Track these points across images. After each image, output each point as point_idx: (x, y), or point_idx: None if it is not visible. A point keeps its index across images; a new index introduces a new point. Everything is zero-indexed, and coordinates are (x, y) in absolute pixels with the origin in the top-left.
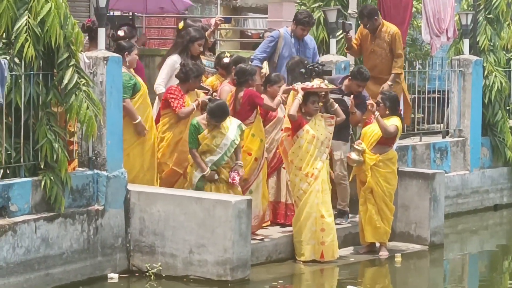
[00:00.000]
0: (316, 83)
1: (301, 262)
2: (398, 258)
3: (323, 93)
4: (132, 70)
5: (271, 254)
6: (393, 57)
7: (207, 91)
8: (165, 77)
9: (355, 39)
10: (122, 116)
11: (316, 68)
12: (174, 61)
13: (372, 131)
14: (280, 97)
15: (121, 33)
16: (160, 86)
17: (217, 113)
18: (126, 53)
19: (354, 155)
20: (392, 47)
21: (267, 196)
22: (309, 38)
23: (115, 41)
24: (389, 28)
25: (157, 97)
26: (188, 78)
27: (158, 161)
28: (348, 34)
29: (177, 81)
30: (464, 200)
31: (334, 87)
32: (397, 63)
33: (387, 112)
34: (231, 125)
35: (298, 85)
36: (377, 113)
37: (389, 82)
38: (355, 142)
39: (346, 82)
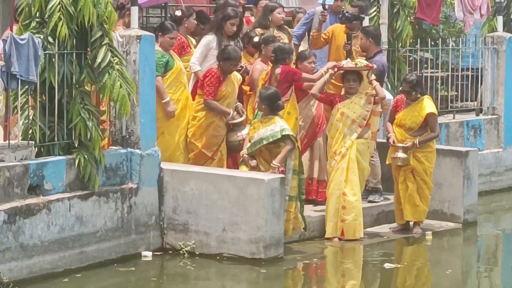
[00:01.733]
0: (347, 62)
1: (333, 240)
2: (429, 236)
3: (367, 71)
4: (172, 52)
5: (304, 233)
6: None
7: (240, 68)
8: (199, 56)
9: (325, 34)
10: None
11: (343, 16)
12: (209, 40)
13: (406, 117)
14: (324, 70)
15: (178, 12)
16: (194, 64)
17: (267, 100)
18: (160, 33)
19: (401, 154)
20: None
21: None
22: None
23: (173, 21)
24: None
25: (192, 75)
26: (222, 59)
27: (188, 140)
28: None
29: (211, 61)
30: (497, 178)
31: (366, 65)
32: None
33: (418, 95)
34: (274, 124)
35: (330, 64)
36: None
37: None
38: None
39: None
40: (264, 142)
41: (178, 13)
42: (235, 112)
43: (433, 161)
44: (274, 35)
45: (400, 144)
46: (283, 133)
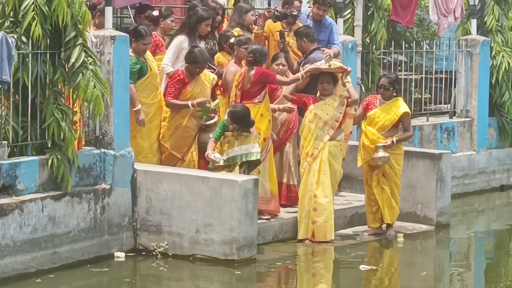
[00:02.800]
0: (321, 63)
1: (305, 241)
2: (400, 238)
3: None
4: (147, 52)
5: (277, 234)
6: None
7: (213, 70)
8: (172, 56)
9: (264, 31)
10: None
11: (273, 14)
12: (180, 41)
13: (380, 115)
14: (301, 74)
15: (155, 12)
16: (167, 65)
17: (240, 120)
18: (133, 39)
19: (382, 153)
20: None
21: (275, 181)
22: (329, 22)
23: (151, 22)
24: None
25: (164, 75)
26: (189, 62)
27: (159, 142)
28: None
29: (183, 61)
30: (470, 180)
31: (340, 67)
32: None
33: (394, 94)
34: (249, 144)
35: (307, 67)
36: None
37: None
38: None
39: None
40: (237, 161)
41: (155, 13)
42: (197, 100)
43: (401, 162)
44: (248, 37)
45: (380, 144)
46: (257, 157)
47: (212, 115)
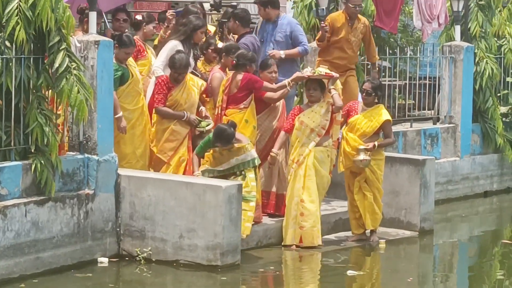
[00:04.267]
0: (306, 70)
1: (291, 248)
2: (382, 244)
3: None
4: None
5: (261, 240)
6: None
7: (199, 76)
8: (164, 60)
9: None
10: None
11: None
12: (174, 45)
13: (362, 122)
14: (288, 81)
15: (138, 17)
16: (158, 69)
17: (222, 138)
18: (116, 45)
19: (363, 156)
20: (366, 36)
21: (259, 188)
22: (287, 22)
23: (132, 26)
24: (363, 18)
25: (153, 78)
26: (171, 67)
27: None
28: (322, 22)
29: None
30: (454, 186)
31: (326, 74)
32: (375, 52)
33: (376, 101)
34: (245, 154)
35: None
36: (376, 143)
37: (375, 70)
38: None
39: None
40: (236, 170)
41: (138, 17)
42: (193, 116)
43: (383, 168)
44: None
45: (362, 146)
46: (255, 163)
47: (208, 120)
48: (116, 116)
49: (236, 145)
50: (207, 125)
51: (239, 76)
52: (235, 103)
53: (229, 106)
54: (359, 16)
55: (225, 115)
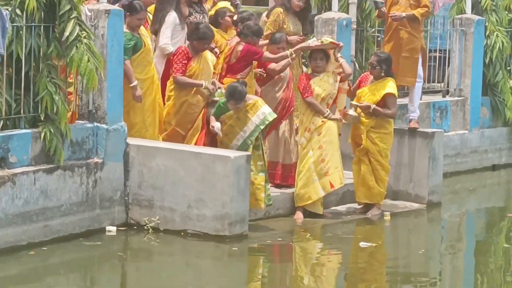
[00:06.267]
0: (313, 40)
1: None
2: (387, 217)
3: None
4: (142, 27)
5: (269, 210)
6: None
7: (215, 52)
8: (170, 35)
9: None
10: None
11: None
12: (174, 17)
13: (366, 94)
14: (291, 51)
15: None
16: (168, 45)
17: (234, 95)
18: (128, 13)
19: (352, 112)
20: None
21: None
22: None
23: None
24: None
25: (157, 54)
26: (197, 38)
27: (163, 120)
28: (382, 9)
29: (177, 37)
30: (462, 159)
31: (331, 42)
32: (421, 10)
33: (382, 74)
34: (260, 110)
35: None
36: (373, 106)
37: (403, 14)
38: (352, 103)
39: None
40: (262, 128)
41: None
42: (210, 85)
43: (389, 142)
44: (251, 13)
45: (354, 103)
46: (272, 117)
47: (221, 90)
48: (131, 84)
49: (249, 102)
50: (221, 95)
51: (240, 47)
52: (233, 73)
53: (227, 74)
54: None
55: (222, 83)
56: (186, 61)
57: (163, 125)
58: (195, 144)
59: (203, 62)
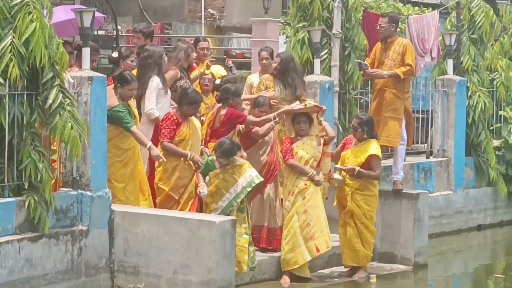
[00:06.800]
0: (296, 104)
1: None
2: (373, 279)
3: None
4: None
5: (255, 275)
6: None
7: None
8: (154, 100)
9: (371, 56)
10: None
11: None
12: (157, 82)
13: (350, 156)
14: (274, 115)
15: (114, 54)
16: (153, 110)
17: (221, 150)
18: (119, 85)
19: (337, 175)
20: (403, 58)
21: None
22: None
23: (110, 63)
24: (401, 40)
25: (148, 121)
26: (186, 103)
27: (156, 186)
28: (366, 71)
29: (162, 102)
30: (448, 220)
31: (315, 105)
32: (403, 68)
33: (365, 136)
34: (247, 172)
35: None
36: (357, 168)
37: (384, 72)
38: (336, 166)
39: None
40: (248, 190)
41: (114, 54)
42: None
43: (374, 205)
44: (235, 78)
45: (338, 166)
46: (259, 180)
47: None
48: (147, 146)
49: (237, 164)
50: (212, 161)
51: (223, 111)
52: (217, 137)
53: (212, 139)
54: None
55: (207, 147)
56: (174, 127)
57: (155, 190)
58: (189, 210)
59: (191, 126)
